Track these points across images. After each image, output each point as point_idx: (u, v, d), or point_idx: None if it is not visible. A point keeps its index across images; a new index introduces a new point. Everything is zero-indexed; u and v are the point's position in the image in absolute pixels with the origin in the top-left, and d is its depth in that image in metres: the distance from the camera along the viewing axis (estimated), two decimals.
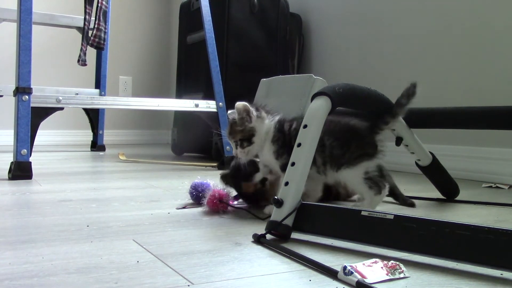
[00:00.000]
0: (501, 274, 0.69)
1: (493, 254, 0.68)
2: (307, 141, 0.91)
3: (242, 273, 0.69)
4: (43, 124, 1.92)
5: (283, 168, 1.07)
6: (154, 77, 4.00)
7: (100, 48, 2.17)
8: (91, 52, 2.54)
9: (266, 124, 1.12)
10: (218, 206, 1.12)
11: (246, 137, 1.10)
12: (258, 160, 1.17)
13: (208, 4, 2.23)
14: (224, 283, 0.64)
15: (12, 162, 1.64)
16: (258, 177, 1.15)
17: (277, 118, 1.14)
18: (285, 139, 1.10)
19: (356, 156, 1.05)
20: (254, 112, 1.10)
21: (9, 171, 1.64)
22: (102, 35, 2.14)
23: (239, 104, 1.10)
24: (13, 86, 1.74)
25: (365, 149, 1.05)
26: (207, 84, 2.40)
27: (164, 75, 4.03)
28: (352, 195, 1.29)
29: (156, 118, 3.95)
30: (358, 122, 1.09)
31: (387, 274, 0.67)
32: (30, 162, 1.65)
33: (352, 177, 1.07)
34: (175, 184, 1.60)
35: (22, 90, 1.66)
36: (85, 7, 2.23)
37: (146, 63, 3.97)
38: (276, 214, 0.88)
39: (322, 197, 1.19)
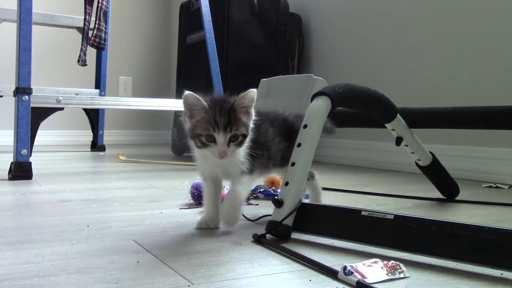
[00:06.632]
0: (501, 274, 0.69)
1: (493, 254, 0.68)
2: (307, 141, 0.91)
3: (242, 273, 0.69)
4: (43, 124, 1.92)
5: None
6: (154, 77, 4.00)
7: (100, 48, 2.18)
8: (91, 52, 2.54)
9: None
10: None
11: (246, 134, 0.89)
12: None
13: (208, 4, 2.23)
14: (224, 283, 0.64)
15: (12, 162, 1.64)
16: None
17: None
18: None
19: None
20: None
21: (9, 171, 1.64)
22: (103, 35, 2.15)
23: (251, 91, 0.88)
24: (13, 87, 1.74)
25: None
26: (207, 84, 2.39)
27: (164, 75, 4.03)
28: None
29: (156, 118, 3.94)
30: (291, 116, 1.04)
31: (387, 274, 0.67)
32: (30, 162, 1.65)
33: None
34: (175, 184, 1.60)
35: (22, 90, 1.65)
36: (85, 7, 2.23)
37: (146, 63, 3.97)
38: (276, 214, 0.88)
39: None
